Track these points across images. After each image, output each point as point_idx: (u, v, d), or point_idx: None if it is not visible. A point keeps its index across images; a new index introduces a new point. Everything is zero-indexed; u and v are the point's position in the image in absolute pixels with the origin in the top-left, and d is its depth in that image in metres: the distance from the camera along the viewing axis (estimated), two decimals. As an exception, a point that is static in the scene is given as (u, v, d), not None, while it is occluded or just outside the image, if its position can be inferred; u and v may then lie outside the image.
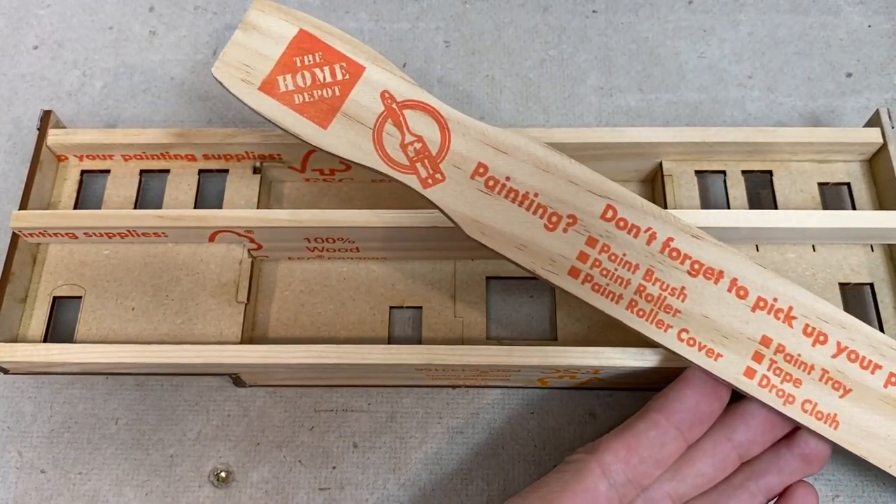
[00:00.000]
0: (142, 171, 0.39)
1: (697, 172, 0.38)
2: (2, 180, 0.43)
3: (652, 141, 0.37)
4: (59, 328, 0.37)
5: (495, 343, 0.36)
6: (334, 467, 0.36)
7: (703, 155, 0.38)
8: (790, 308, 0.29)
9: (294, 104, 0.31)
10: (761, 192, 0.39)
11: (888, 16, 0.46)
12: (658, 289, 0.29)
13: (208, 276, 0.37)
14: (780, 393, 0.29)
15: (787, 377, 0.29)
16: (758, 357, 0.29)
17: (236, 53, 0.31)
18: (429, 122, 0.31)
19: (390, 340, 0.37)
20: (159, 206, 0.39)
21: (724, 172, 0.38)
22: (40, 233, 0.36)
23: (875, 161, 0.37)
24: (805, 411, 0.29)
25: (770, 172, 0.38)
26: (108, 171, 0.39)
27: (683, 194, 0.37)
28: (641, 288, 0.29)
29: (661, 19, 0.47)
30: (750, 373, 0.29)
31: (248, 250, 0.37)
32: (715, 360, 0.29)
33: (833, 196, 0.38)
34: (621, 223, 0.29)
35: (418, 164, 0.30)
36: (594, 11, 0.47)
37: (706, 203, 0.39)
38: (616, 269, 0.29)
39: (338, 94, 0.31)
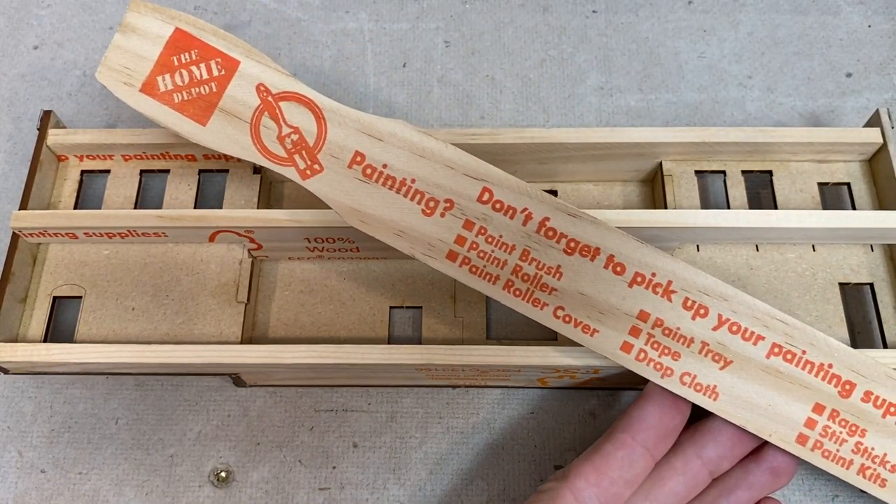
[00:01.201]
0: (142, 171, 0.39)
1: (697, 172, 0.38)
2: (2, 180, 0.43)
3: (652, 141, 0.37)
4: (59, 328, 0.37)
5: (495, 343, 0.36)
6: (334, 467, 0.36)
7: (703, 155, 0.38)
8: (669, 283, 0.29)
9: (174, 103, 0.31)
10: (761, 192, 0.39)
11: (888, 16, 0.46)
12: (534, 268, 0.29)
13: (208, 276, 0.37)
14: (658, 366, 0.29)
15: (666, 350, 0.29)
16: (635, 332, 0.29)
17: (117, 57, 0.32)
18: (305, 113, 0.31)
19: (390, 340, 0.37)
20: (159, 206, 0.39)
21: (724, 172, 0.38)
22: (40, 233, 0.36)
23: (875, 161, 0.38)
24: (684, 384, 0.29)
25: (770, 172, 0.38)
26: (108, 171, 0.39)
27: (683, 194, 0.37)
28: (518, 268, 0.30)
29: (661, 19, 0.47)
30: (627, 347, 0.29)
31: (248, 250, 0.37)
32: (591, 335, 0.29)
33: (833, 196, 0.38)
34: (497, 205, 0.30)
35: (296, 156, 0.31)
36: (594, 11, 0.47)
37: (706, 203, 0.39)
38: (493, 251, 0.30)
39: (215, 90, 0.31)
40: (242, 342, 0.36)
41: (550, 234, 0.29)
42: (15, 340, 0.36)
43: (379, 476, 0.36)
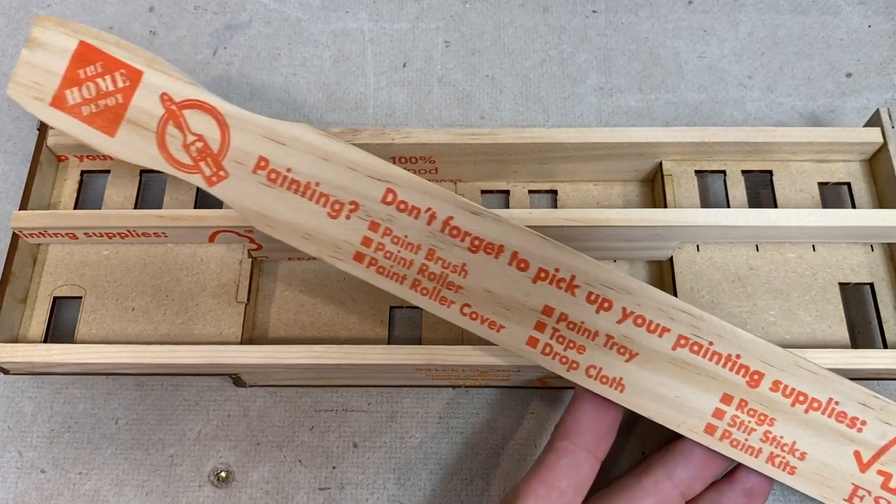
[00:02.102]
0: (142, 171, 0.39)
1: (697, 172, 0.38)
2: (2, 180, 0.43)
3: (652, 141, 0.37)
4: (59, 328, 0.37)
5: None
6: (334, 467, 0.36)
7: (703, 155, 0.38)
8: (573, 277, 0.29)
9: (83, 116, 0.31)
10: (761, 191, 0.39)
11: (888, 16, 0.46)
12: (440, 267, 0.30)
13: (208, 276, 0.37)
14: (564, 360, 0.29)
15: (571, 344, 0.29)
16: (540, 326, 0.29)
17: (26, 72, 0.32)
18: (208, 121, 0.31)
19: (390, 340, 0.37)
20: (159, 206, 0.39)
21: (724, 172, 0.38)
22: (40, 233, 0.36)
23: (875, 161, 0.38)
24: (590, 376, 0.29)
25: (770, 172, 0.38)
26: (108, 172, 0.39)
27: (683, 194, 0.37)
28: (424, 267, 0.30)
29: (661, 19, 0.47)
30: (532, 342, 0.29)
31: (248, 250, 0.37)
32: (497, 331, 0.30)
33: (833, 196, 0.38)
34: (402, 206, 0.30)
35: (202, 163, 0.31)
36: (594, 11, 0.47)
37: (706, 203, 0.39)
38: (399, 251, 0.30)
39: (121, 101, 0.31)
40: (242, 342, 0.36)
41: (455, 232, 0.30)
42: (15, 341, 0.36)
43: (379, 476, 0.36)
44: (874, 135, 0.37)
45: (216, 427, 0.37)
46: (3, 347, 0.34)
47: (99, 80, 0.31)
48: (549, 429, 0.37)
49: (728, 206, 0.37)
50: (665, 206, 0.37)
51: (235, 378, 0.36)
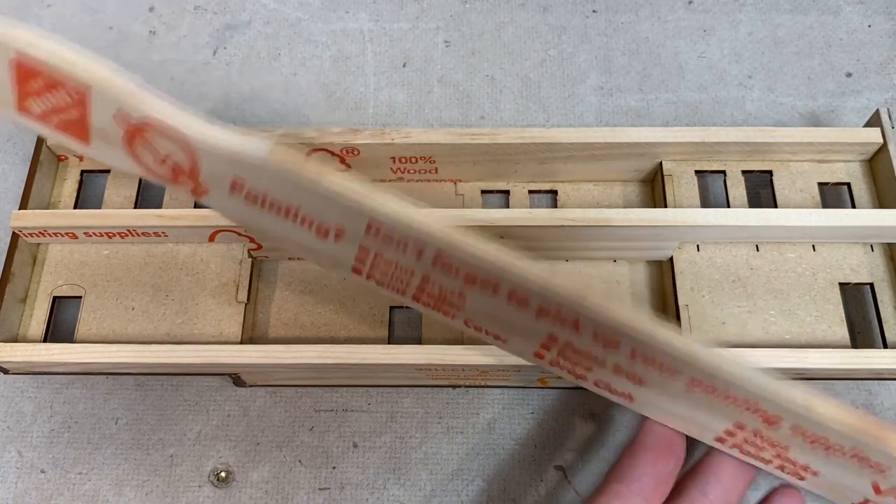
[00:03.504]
0: (142, 171, 0.39)
1: (697, 172, 0.38)
2: (2, 180, 0.43)
3: (652, 141, 0.37)
4: (59, 328, 0.37)
5: (495, 343, 0.36)
6: (334, 467, 0.36)
7: (703, 155, 0.38)
8: (576, 320, 0.26)
9: (53, 124, 0.28)
10: (761, 191, 0.39)
11: (888, 16, 0.46)
12: (437, 289, 0.28)
13: (208, 276, 0.37)
14: (570, 371, 0.28)
15: (578, 363, 0.28)
16: (546, 346, 0.28)
17: None
18: (170, 143, 0.27)
19: (390, 340, 0.37)
20: (159, 206, 0.39)
21: (724, 172, 0.38)
22: (40, 233, 0.36)
23: (875, 161, 0.38)
24: (598, 387, 0.28)
25: (770, 172, 0.38)
26: (108, 171, 0.39)
27: (683, 194, 0.37)
28: (422, 288, 0.28)
29: (661, 19, 0.47)
30: (539, 356, 0.29)
31: (248, 250, 0.37)
32: (504, 343, 0.29)
33: (833, 196, 0.38)
34: (387, 238, 0.27)
35: (181, 178, 0.28)
36: (594, 11, 0.47)
37: (706, 203, 0.39)
38: (394, 272, 0.28)
39: (77, 117, 0.27)
40: (242, 342, 0.36)
41: (446, 267, 0.27)
42: (15, 340, 0.36)
43: (379, 476, 0.36)
44: (874, 135, 0.37)
45: (216, 427, 0.37)
46: (3, 347, 0.34)
47: (49, 95, 0.27)
48: (550, 429, 0.37)
49: (728, 206, 0.37)
50: (665, 206, 0.37)
51: (235, 378, 0.36)
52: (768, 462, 0.28)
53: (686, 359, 0.25)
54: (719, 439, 0.28)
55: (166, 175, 0.28)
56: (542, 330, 0.27)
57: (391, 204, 0.26)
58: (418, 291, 0.28)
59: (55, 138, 0.28)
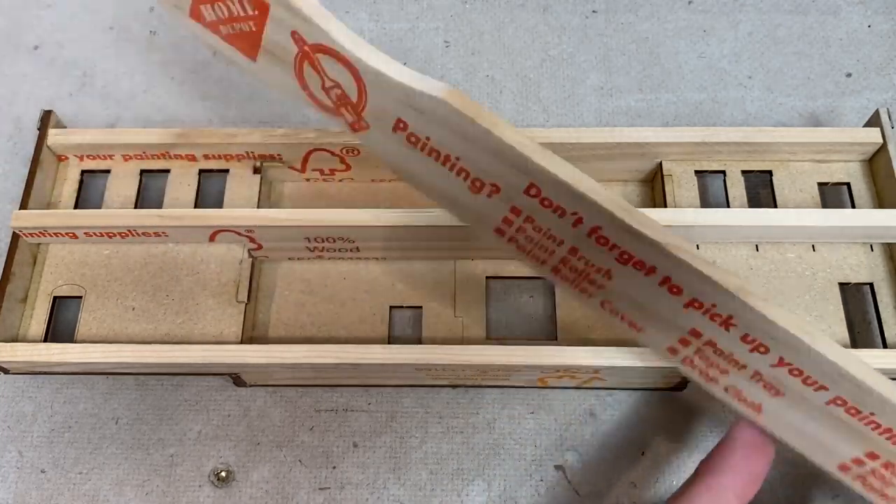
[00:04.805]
0: (142, 171, 0.39)
1: (697, 172, 0.38)
2: (2, 180, 0.43)
3: (652, 141, 0.37)
4: (59, 328, 0.37)
5: (495, 343, 0.36)
6: (334, 467, 0.36)
7: (703, 155, 0.38)
8: (729, 317, 0.25)
9: (222, 34, 0.28)
10: (761, 191, 0.39)
11: (888, 16, 0.46)
12: (583, 264, 0.27)
13: (208, 275, 0.37)
14: (702, 372, 0.27)
15: (714, 364, 0.27)
16: (684, 342, 0.27)
17: None
18: (343, 71, 0.27)
19: (390, 340, 0.37)
20: (159, 206, 0.39)
21: (723, 172, 0.38)
22: (40, 232, 0.36)
23: (875, 161, 0.38)
24: (727, 392, 0.27)
25: (770, 172, 0.38)
26: (108, 171, 0.39)
27: (683, 194, 0.37)
28: (566, 260, 0.27)
29: (661, 19, 0.47)
30: (673, 351, 0.27)
31: (249, 250, 0.37)
32: (638, 331, 0.28)
33: (833, 196, 0.38)
34: (546, 202, 0.26)
35: (343, 109, 0.28)
36: (594, 11, 0.47)
37: (706, 203, 0.39)
38: (540, 240, 0.27)
39: (254, 29, 0.27)
40: (242, 342, 0.36)
41: (602, 241, 0.26)
42: (15, 340, 0.36)
43: (379, 476, 0.36)
44: (874, 135, 0.37)
45: (216, 427, 0.37)
46: (3, 347, 0.34)
47: (229, 3, 0.27)
48: (550, 429, 0.37)
49: (728, 206, 0.37)
50: (665, 206, 0.37)
51: (235, 378, 0.36)
52: (893, 500, 0.26)
53: (840, 373, 0.24)
54: (843, 467, 0.27)
55: (329, 104, 0.28)
56: (686, 323, 0.26)
57: (564, 168, 0.25)
58: (561, 263, 0.27)
59: (222, 48, 0.28)
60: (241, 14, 0.27)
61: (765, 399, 0.27)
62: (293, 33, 0.27)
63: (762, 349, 0.25)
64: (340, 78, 0.27)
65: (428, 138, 0.27)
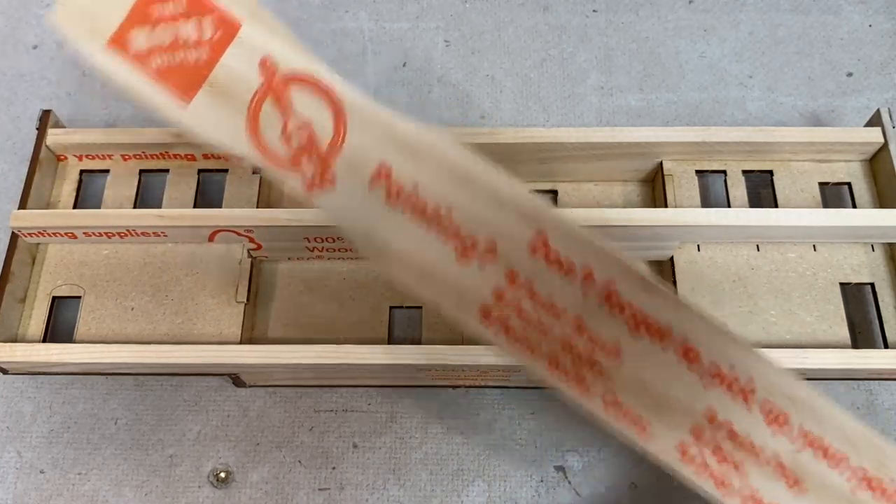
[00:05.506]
0: (141, 171, 0.39)
1: (698, 172, 0.38)
2: (1, 180, 0.43)
3: (652, 141, 0.37)
4: (58, 328, 0.37)
5: (495, 343, 0.36)
6: (334, 467, 0.36)
7: (704, 154, 0.38)
8: (749, 380, 0.24)
9: (150, 68, 0.24)
10: (762, 191, 0.39)
11: (888, 16, 0.46)
12: (586, 341, 0.24)
13: (208, 276, 0.37)
14: (716, 478, 0.24)
15: (729, 460, 0.24)
16: (696, 432, 0.24)
17: None
18: (320, 105, 0.23)
19: (390, 340, 0.37)
20: (159, 206, 0.39)
21: (724, 172, 0.38)
22: (40, 232, 0.36)
23: (876, 160, 0.37)
24: (743, 499, 0.24)
25: (770, 172, 0.38)
26: (107, 171, 0.39)
27: (684, 194, 0.37)
28: (566, 340, 0.24)
29: (662, 19, 0.47)
30: (684, 450, 0.24)
31: (248, 250, 0.37)
32: (642, 431, 0.24)
33: (834, 196, 0.38)
34: (552, 255, 0.23)
35: (303, 159, 0.24)
36: (594, 11, 0.47)
37: (707, 203, 0.39)
38: (538, 314, 0.24)
39: (205, 57, 0.23)
40: (242, 342, 0.35)
41: (613, 300, 0.23)
42: (14, 340, 0.35)
43: (379, 476, 0.36)
44: (875, 135, 0.37)
45: (216, 427, 0.37)
46: (2, 347, 0.34)
47: (179, 25, 0.23)
48: (550, 429, 0.37)
49: (729, 206, 0.37)
50: (665, 206, 0.37)
51: (235, 378, 0.36)
52: None
53: (867, 438, 0.23)
54: None
55: (284, 155, 0.24)
56: (702, 403, 0.24)
57: (575, 214, 0.23)
58: (559, 347, 0.24)
59: (140, 87, 0.24)
60: (194, 39, 0.24)
61: (784, 499, 0.24)
62: (263, 61, 0.23)
63: (781, 419, 0.24)
64: (315, 114, 0.24)
65: (415, 185, 0.23)
